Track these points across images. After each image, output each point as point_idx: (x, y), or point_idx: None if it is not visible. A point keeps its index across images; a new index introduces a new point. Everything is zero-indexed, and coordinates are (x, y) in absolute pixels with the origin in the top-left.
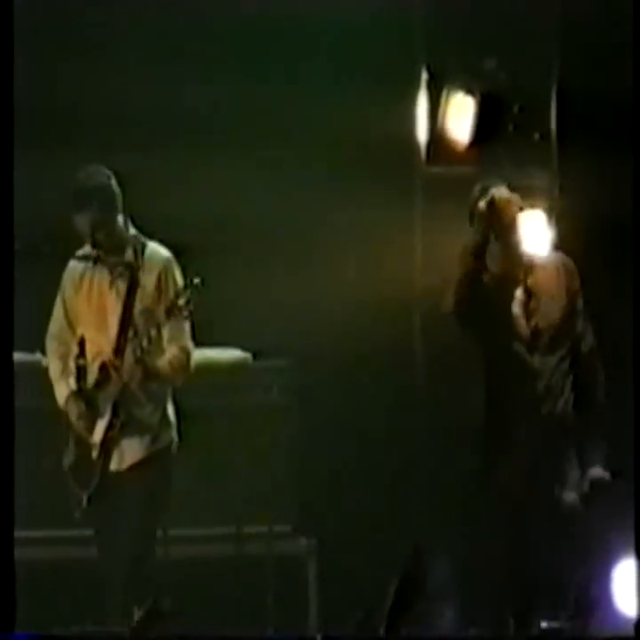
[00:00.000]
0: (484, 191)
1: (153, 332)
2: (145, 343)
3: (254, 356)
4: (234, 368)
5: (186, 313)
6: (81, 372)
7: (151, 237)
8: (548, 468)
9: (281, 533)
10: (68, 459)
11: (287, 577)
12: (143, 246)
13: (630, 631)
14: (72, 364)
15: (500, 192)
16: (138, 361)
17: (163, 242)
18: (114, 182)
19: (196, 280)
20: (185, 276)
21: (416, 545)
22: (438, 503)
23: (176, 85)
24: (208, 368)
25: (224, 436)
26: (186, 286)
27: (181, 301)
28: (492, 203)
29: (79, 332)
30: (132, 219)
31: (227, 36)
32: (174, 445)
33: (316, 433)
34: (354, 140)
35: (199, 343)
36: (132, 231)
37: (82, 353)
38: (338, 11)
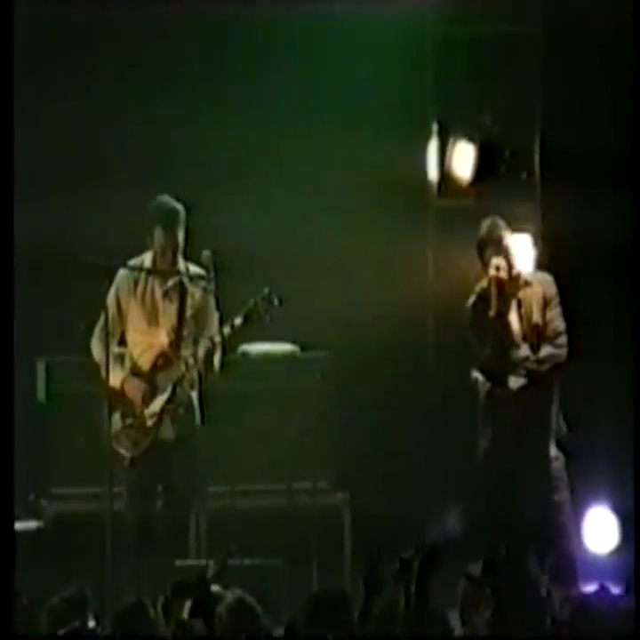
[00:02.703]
0: (489, 232)
1: (226, 331)
2: (217, 339)
3: (302, 348)
4: (286, 358)
5: (268, 318)
6: (124, 359)
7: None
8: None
9: (322, 489)
10: (114, 426)
11: (327, 524)
12: (186, 263)
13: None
14: (123, 352)
15: (496, 222)
16: (209, 353)
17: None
18: None
19: (266, 290)
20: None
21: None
22: (449, 460)
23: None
24: (266, 358)
25: (278, 411)
26: (264, 297)
27: (262, 310)
28: (498, 240)
29: (128, 328)
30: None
31: (264, 86)
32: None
33: (350, 409)
34: (382, 180)
35: (261, 339)
36: None
37: (124, 343)
38: (367, 75)
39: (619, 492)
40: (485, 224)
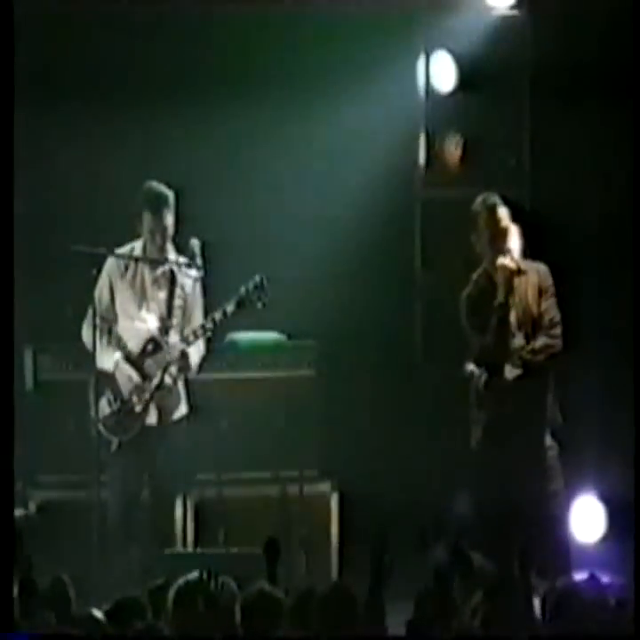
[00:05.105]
0: (485, 202)
1: (217, 317)
2: (210, 325)
3: (289, 337)
4: (274, 347)
5: (260, 305)
6: (117, 343)
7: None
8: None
9: (309, 477)
10: (102, 411)
11: (314, 511)
12: (177, 254)
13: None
14: (114, 338)
15: (497, 201)
16: (198, 338)
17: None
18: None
19: (257, 277)
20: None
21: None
22: (438, 449)
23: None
24: (254, 346)
25: (266, 400)
26: (256, 284)
27: (254, 297)
28: (492, 209)
29: (118, 313)
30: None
31: (254, 76)
32: (185, 413)
33: (337, 397)
34: (370, 168)
35: (249, 328)
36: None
37: (111, 329)
38: (355, 63)
39: (606, 480)
40: (481, 201)
